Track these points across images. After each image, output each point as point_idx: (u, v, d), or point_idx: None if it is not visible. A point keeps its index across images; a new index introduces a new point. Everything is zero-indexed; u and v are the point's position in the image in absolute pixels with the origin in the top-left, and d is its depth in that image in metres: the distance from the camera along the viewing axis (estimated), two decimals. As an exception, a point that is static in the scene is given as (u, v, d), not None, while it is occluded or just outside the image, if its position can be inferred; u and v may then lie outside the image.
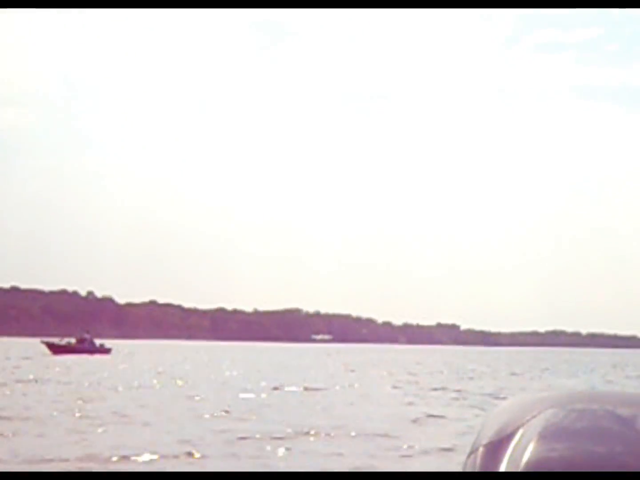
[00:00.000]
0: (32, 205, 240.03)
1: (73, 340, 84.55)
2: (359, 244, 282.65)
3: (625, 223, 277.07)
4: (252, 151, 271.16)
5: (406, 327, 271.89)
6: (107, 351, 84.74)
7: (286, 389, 37.13)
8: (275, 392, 35.42)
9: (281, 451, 17.94)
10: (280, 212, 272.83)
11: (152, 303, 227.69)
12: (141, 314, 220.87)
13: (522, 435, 1.34)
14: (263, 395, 33.14)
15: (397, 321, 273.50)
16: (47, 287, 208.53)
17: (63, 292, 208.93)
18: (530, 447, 1.31)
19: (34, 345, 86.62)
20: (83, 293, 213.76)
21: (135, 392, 33.68)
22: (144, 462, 16.23)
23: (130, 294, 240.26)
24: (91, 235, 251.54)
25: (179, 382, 40.38)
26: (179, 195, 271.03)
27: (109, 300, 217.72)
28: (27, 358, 68.48)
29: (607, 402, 1.38)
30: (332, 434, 20.82)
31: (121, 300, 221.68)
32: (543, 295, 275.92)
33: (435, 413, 26.63)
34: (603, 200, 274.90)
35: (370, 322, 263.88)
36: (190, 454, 17.21)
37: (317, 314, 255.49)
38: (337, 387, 39.06)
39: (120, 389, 35.52)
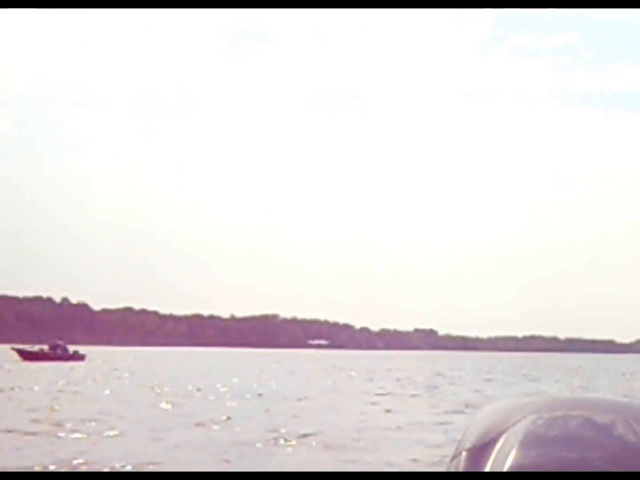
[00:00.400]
0: (5, 210, 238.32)
1: (46, 347, 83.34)
2: (336, 249, 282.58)
3: (603, 228, 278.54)
4: (230, 156, 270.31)
5: (384, 332, 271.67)
6: (81, 358, 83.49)
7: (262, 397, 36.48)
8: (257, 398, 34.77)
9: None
10: (257, 218, 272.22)
11: (128, 309, 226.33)
12: (117, 320, 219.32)
13: (504, 441, 1.37)
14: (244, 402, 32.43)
15: (375, 327, 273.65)
16: (21, 293, 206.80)
17: (37, 298, 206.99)
18: (512, 454, 1.34)
19: (4, 351, 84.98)
20: (57, 299, 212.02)
21: (106, 400, 32.84)
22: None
23: (105, 300, 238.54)
24: (66, 240, 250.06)
25: (155, 390, 39.59)
26: (154, 201, 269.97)
27: (84, 307, 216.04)
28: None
29: (586, 408, 1.40)
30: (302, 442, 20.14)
31: (96, 306, 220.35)
32: (521, 300, 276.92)
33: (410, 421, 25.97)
34: (580, 205, 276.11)
35: (347, 327, 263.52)
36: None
37: (294, 320, 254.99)
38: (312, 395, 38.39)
39: (91, 395, 34.71)
